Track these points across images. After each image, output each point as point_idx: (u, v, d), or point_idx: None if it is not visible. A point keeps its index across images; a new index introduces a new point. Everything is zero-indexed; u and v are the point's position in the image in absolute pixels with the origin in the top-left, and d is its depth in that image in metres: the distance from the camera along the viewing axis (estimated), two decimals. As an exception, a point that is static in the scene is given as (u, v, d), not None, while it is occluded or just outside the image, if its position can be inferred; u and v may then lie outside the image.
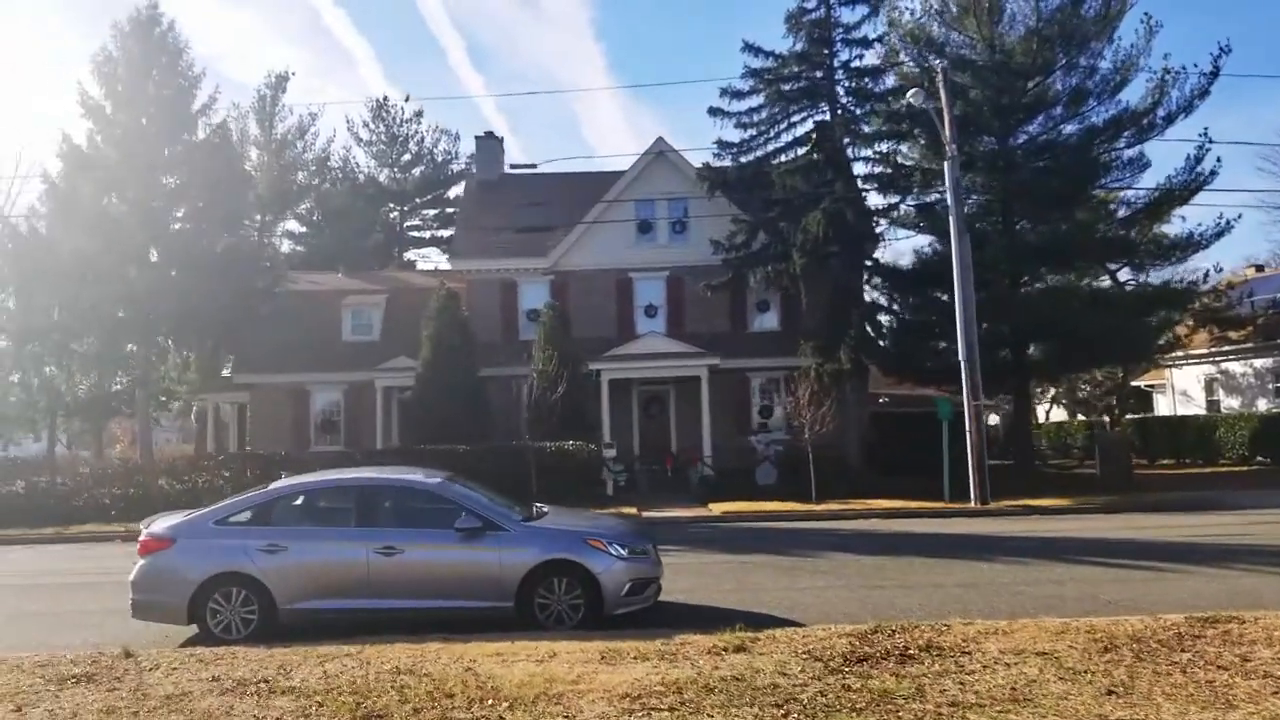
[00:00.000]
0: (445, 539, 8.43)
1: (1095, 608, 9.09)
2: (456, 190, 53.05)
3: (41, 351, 21.68)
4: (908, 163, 25.62)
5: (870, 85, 25.98)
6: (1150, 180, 26.82)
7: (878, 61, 25.96)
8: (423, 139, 52.67)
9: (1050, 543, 13.74)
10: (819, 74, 26.07)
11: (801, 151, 26.80)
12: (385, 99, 51.60)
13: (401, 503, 8.81)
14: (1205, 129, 31.66)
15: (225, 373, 31.67)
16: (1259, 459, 28.46)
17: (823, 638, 7.44)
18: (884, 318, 25.53)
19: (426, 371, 25.76)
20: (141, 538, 8.54)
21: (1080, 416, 39.52)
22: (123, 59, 23.11)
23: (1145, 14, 24.68)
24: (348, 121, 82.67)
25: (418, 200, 52.74)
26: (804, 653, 6.96)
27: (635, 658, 6.81)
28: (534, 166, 22.07)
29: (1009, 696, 5.81)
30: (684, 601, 9.64)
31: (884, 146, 25.16)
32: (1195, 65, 27.55)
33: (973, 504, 19.83)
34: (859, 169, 26.37)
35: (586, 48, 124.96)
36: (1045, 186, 24.51)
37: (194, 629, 8.69)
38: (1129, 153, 25.37)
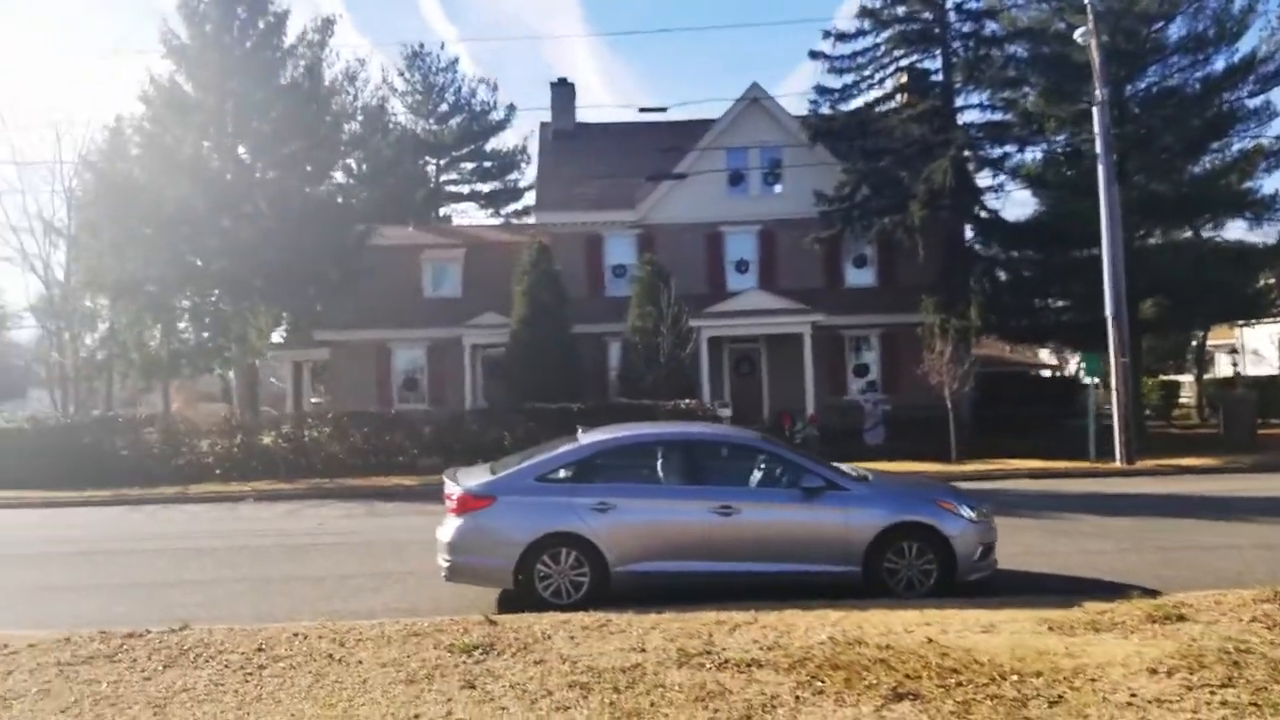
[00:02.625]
0: (786, 498, 7.77)
1: None
2: (495, 142, 51.75)
3: (139, 307, 20.67)
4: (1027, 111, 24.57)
5: (982, 29, 25.02)
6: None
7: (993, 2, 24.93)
8: (460, 88, 51.14)
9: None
10: (929, 15, 25.07)
11: (907, 98, 25.97)
12: (422, 46, 50.02)
13: (729, 459, 8.16)
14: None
15: (279, 331, 30.87)
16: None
17: (1238, 605, 6.85)
18: (1001, 273, 24.66)
19: (521, 329, 24.96)
20: (455, 494, 7.79)
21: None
22: (210, -3, 21.89)
23: (1263, -43, 23.65)
24: (382, 71, 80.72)
25: (454, 154, 51.32)
26: (1250, 619, 6.38)
27: (1088, 627, 6.20)
28: (664, 109, 21.03)
29: None
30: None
31: (1007, 93, 24.19)
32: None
33: (1118, 464, 19.33)
34: (971, 117, 25.54)
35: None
36: (1170, 137, 23.74)
37: (486, 593, 8.10)
38: (1253, 102, 24.53)
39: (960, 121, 25.27)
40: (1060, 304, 24.61)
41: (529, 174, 65.57)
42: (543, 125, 31.64)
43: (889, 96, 26.12)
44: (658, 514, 7.69)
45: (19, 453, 19.77)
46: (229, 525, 13.67)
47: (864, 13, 24.67)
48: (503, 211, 51.73)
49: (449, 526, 7.77)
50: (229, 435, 21.34)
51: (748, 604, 7.10)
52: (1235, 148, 24.55)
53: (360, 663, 5.80)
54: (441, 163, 51.13)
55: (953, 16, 24.92)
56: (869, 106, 25.92)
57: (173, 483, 19.35)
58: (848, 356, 27.79)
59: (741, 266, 28.29)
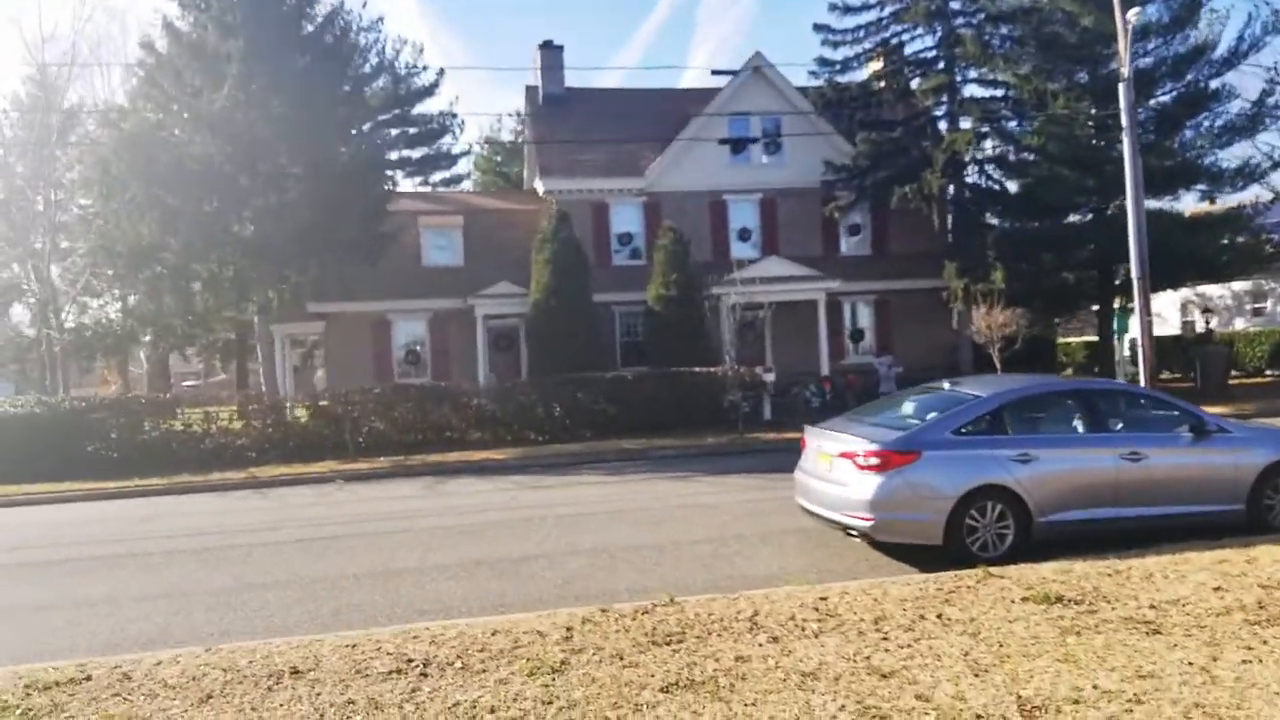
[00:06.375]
0: (1184, 443, 8.12)
1: None
2: (423, 107, 49.42)
3: (158, 274, 18.56)
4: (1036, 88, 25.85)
5: (982, 7, 26.18)
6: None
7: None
8: (384, 49, 48.34)
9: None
10: (933, -9, 25.98)
11: (908, 71, 26.92)
12: (341, 2, 46.95)
13: (1125, 408, 8.42)
14: (1275, 64, 33.27)
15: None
16: (1269, 372, 31.60)
17: None
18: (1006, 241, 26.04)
19: (545, 298, 24.23)
20: (868, 450, 7.61)
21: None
22: (217, -67, 19.79)
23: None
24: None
25: (379, 118, 48.60)
26: None
27: None
28: (735, 73, 20.62)
29: None
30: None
31: (1006, 70, 25.43)
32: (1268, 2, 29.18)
33: (1145, 414, 21.01)
34: (971, 91, 26.75)
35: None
36: (1145, 114, 25.69)
37: (865, 551, 8.05)
38: (1214, 83, 26.87)
39: (965, 95, 26.41)
40: (1047, 268, 26.20)
41: (463, 140, 62.88)
42: (529, 89, 30.57)
43: (894, 71, 26.91)
44: (1074, 463, 7.85)
45: (31, 439, 17.46)
46: (402, 505, 12.57)
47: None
48: (432, 180, 49.63)
49: (867, 484, 7.60)
50: (262, 416, 19.68)
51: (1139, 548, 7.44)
52: (1204, 125, 26.84)
53: (973, 620, 5.66)
54: (366, 128, 48.23)
55: (953, -6, 25.97)
56: (876, 78, 26.67)
57: (204, 468, 17.63)
58: (846, 322, 28.67)
59: (744, 234, 28.53)
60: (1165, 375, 31.78)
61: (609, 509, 11.27)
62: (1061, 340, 42.86)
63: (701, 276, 25.03)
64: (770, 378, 23.32)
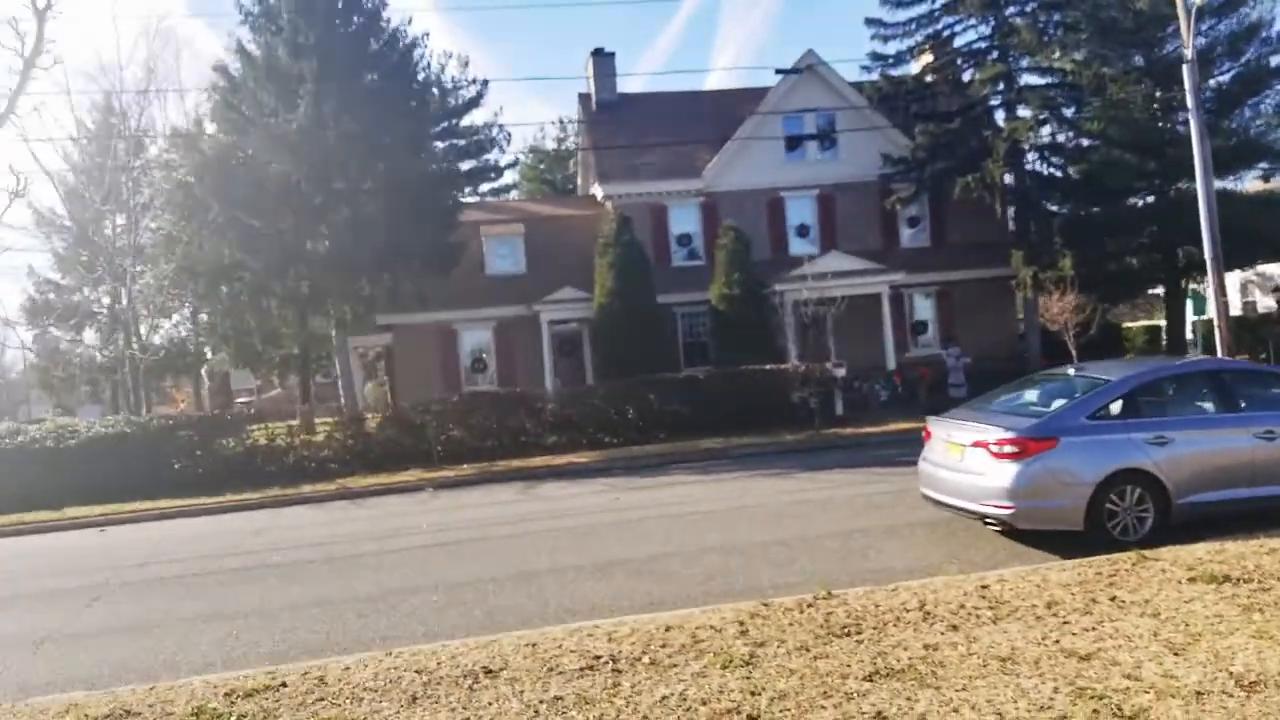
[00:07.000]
0: (1311, 421, 8.06)
1: None
2: (469, 119, 49.98)
3: (237, 292, 19.07)
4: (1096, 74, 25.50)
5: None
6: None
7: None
8: (429, 63, 48.97)
9: None
10: (985, -19, 25.74)
11: (961, 62, 26.74)
12: (388, 20, 47.68)
13: (1254, 387, 8.38)
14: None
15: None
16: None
17: None
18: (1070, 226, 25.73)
19: (610, 301, 24.52)
20: (1002, 439, 7.64)
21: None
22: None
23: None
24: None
25: (430, 131, 49.25)
26: None
27: None
28: (800, 71, 20.69)
29: None
30: None
31: (1060, 56, 25.17)
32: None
33: (1228, 396, 20.64)
34: (1027, 79, 26.49)
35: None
36: (1209, 94, 25.24)
37: (991, 539, 8.07)
38: (1274, 61, 26.28)
39: (1021, 84, 26.15)
40: (1112, 253, 25.79)
41: (511, 151, 63.63)
42: (582, 96, 30.88)
43: (946, 63, 26.71)
44: (1210, 444, 7.86)
45: (122, 458, 18.01)
46: (506, 510, 12.79)
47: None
48: (480, 191, 50.14)
49: (1005, 472, 7.63)
50: (344, 428, 20.09)
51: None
52: (1265, 104, 26.30)
53: (1147, 601, 5.69)
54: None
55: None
56: (932, 70, 26.52)
57: (291, 481, 18.00)
58: (908, 314, 28.51)
59: (802, 231, 28.57)
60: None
61: (719, 507, 11.39)
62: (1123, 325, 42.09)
63: (763, 274, 25.13)
64: (841, 373, 23.23)
